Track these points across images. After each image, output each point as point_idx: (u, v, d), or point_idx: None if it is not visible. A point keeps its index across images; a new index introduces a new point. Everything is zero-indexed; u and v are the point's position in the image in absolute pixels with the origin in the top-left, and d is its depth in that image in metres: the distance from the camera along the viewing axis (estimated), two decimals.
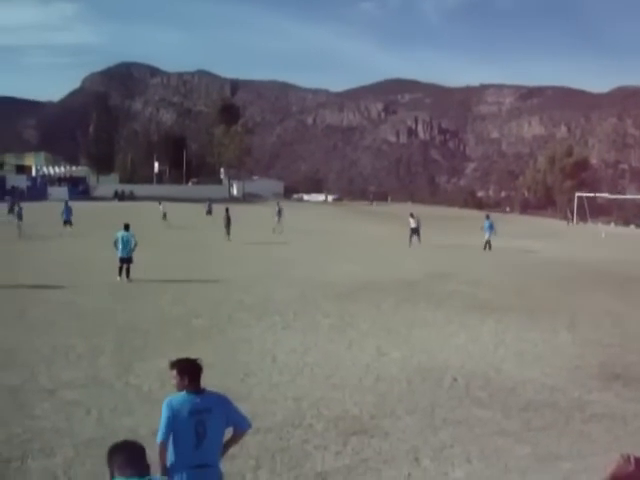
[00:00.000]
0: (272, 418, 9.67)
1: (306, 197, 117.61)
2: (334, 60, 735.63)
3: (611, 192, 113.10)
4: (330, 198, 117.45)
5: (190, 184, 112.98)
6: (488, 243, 35.55)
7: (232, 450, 5.99)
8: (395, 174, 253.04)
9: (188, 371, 5.44)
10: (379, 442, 9.00)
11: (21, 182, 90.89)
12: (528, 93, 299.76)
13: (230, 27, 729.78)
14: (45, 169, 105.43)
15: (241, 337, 14.77)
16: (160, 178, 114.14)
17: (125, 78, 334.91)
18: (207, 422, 5.31)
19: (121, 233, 22.65)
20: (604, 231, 62.52)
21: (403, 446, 8.88)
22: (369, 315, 17.62)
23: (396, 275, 25.24)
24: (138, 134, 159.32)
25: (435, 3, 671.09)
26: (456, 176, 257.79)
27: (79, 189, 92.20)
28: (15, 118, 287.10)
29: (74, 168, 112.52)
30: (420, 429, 9.51)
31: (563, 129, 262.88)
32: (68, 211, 39.98)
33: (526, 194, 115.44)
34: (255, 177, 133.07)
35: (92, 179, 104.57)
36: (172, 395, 5.45)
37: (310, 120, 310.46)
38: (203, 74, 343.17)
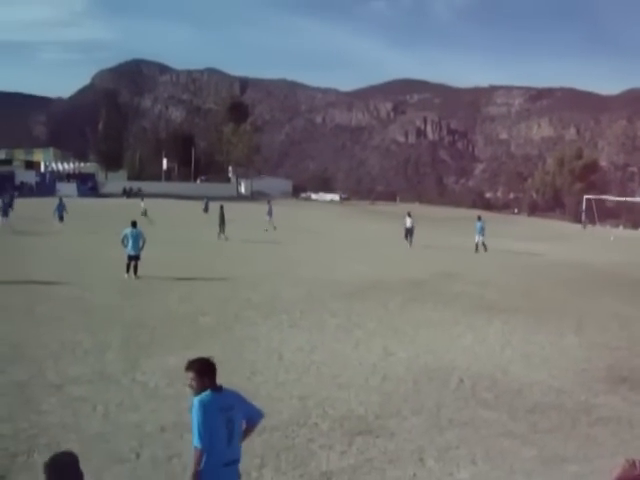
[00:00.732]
0: (278, 416, 9.66)
1: (314, 196, 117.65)
2: (344, 59, 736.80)
3: (620, 195, 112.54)
4: (338, 197, 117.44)
5: (198, 182, 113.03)
6: (483, 245, 35.00)
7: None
8: (403, 174, 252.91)
9: (207, 371, 5.44)
10: (384, 442, 9.00)
11: (30, 178, 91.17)
12: (537, 94, 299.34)
13: (240, 25, 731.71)
14: (54, 165, 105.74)
15: (248, 335, 14.77)
16: (168, 175, 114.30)
17: (135, 75, 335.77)
18: (234, 419, 5.36)
19: (129, 230, 22.70)
20: (613, 234, 62.33)
21: (408, 446, 8.88)
22: (376, 315, 17.60)
23: (403, 275, 25.23)
24: (147, 131, 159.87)
25: (446, 3, 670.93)
26: (464, 177, 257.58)
27: (88, 186, 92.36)
28: (25, 114, 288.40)
29: (83, 164, 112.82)
30: (426, 429, 9.51)
31: (572, 131, 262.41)
32: (61, 208, 40.17)
33: (534, 196, 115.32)
34: (263, 175, 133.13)
35: (101, 176, 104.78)
36: (200, 397, 5.35)
37: (319, 119, 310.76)
38: (212, 72, 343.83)
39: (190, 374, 5.43)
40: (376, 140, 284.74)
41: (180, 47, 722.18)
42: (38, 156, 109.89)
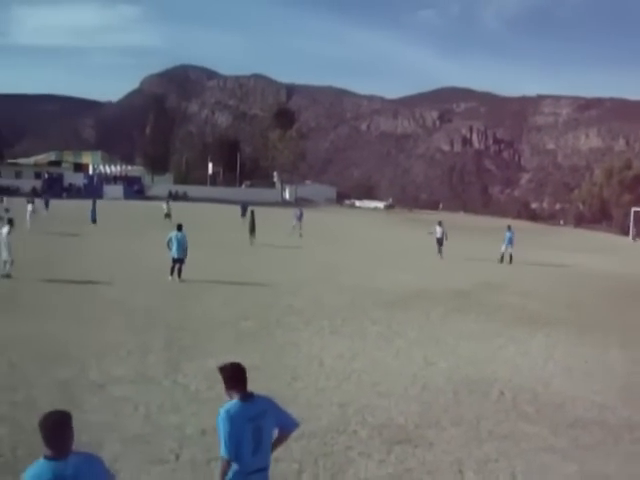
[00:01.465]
0: (317, 423, 9.69)
1: (358, 203, 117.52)
2: (390, 67, 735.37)
3: None
4: (382, 205, 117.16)
5: (243, 187, 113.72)
6: (509, 256, 34.03)
7: (276, 453, 5.97)
8: (448, 183, 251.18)
9: (232, 376, 5.40)
10: (423, 452, 8.97)
11: (78, 179, 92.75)
12: (586, 104, 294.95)
13: (287, 31, 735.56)
14: (102, 168, 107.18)
15: (289, 341, 14.83)
16: (214, 180, 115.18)
17: (182, 80, 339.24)
18: (262, 427, 5.32)
19: (174, 233, 22.93)
20: None
21: (447, 457, 8.83)
22: (417, 324, 17.54)
23: (445, 285, 25.08)
24: (193, 136, 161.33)
25: (495, 12, 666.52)
26: (510, 187, 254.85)
27: (134, 188, 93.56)
28: (75, 117, 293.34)
29: (130, 167, 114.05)
30: (465, 441, 9.44)
31: (621, 142, 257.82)
32: (94, 211, 41.44)
33: (581, 207, 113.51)
34: (308, 182, 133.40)
35: (147, 179, 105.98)
36: (226, 405, 5.39)
37: (364, 126, 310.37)
38: (259, 78, 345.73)
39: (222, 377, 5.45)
40: (421, 148, 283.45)
41: (228, 53, 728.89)
42: (87, 158, 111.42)
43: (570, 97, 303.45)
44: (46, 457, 4.37)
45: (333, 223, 61.27)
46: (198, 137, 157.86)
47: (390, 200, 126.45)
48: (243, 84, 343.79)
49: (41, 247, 29.98)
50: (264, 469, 5.40)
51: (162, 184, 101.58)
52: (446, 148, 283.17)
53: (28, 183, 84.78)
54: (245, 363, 5.59)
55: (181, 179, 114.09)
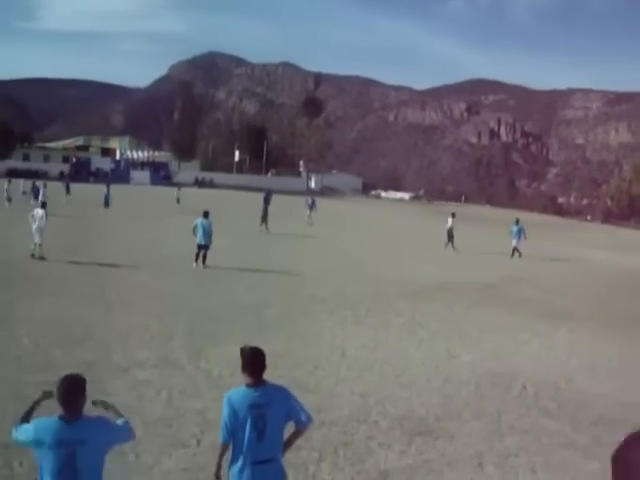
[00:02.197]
0: (338, 412, 9.70)
1: (384, 194, 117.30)
2: (418, 57, 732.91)
3: None
4: (407, 196, 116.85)
5: (269, 175, 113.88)
6: (517, 250, 33.33)
7: (296, 441, 5.90)
8: (474, 176, 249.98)
9: (250, 362, 5.34)
10: (444, 444, 8.95)
11: (105, 164, 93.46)
12: (617, 99, 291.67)
13: (315, 20, 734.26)
14: (129, 153, 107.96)
15: (312, 329, 14.86)
16: (240, 167, 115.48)
17: (210, 67, 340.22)
18: (267, 416, 5.20)
19: (200, 220, 23.02)
20: None
21: (468, 450, 8.80)
22: (441, 316, 17.49)
23: (470, 277, 24.97)
24: (221, 123, 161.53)
25: (525, 3, 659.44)
26: (537, 181, 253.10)
27: (161, 174, 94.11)
28: (103, 102, 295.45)
29: (157, 153, 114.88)
30: (486, 434, 9.41)
31: None
32: (108, 195, 42.36)
33: (609, 203, 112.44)
34: (334, 171, 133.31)
35: (174, 165, 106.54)
36: (230, 390, 5.42)
37: (391, 117, 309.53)
38: (287, 66, 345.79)
39: None
40: (448, 140, 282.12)
41: (256, 41, 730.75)
42: (114, 143, 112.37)
43: (600, 91, 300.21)
44: (60, 417, 4.61)
45: (358, 213, 61.17)
46: (225, 124, 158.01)
47: (422, 191, 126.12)
48: (271, 72, 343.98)
49: (62, 230, 30.20)
50: (270, 460, 5.27)
51: (189, 171, 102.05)
52: (473, 140, 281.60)
53: (56, 167, 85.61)
54: (268, 350, 5.56)
55: (207, 166, 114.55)
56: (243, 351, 5.41)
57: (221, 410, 5.31)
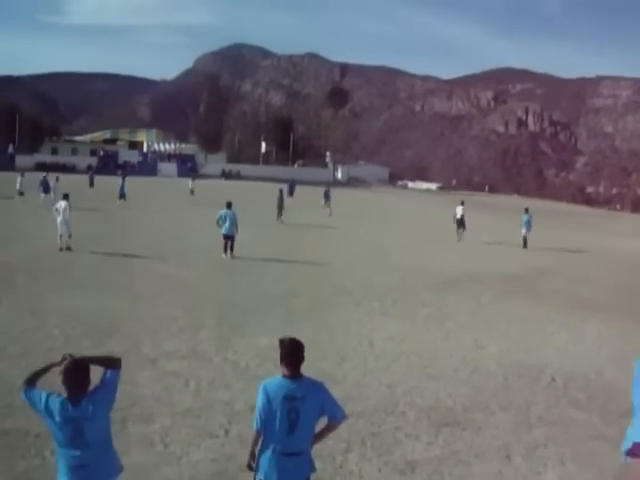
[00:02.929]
0: (365, 403, 9.73)
1: (411, 184, 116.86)
2: (444, 46, 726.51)
3: None
4: (434, 186, 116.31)
5: (296, 166, 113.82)
6: (525, 240, 32.57)
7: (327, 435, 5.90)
8: (501, 165, 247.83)
9: (288, 354, 5.35)
10: (471, 435, 8.94)
11: (133, 157, 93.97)
12: None
13: (340, 10, 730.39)
14: (156, 145, 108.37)
15: (340, 320, 14.88)
16: (266, 159, 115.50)
17: (236, 59, 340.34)
18: (300, 409, 5.21)
19: (224, 211, 23.14)
20: None
21: (495, 442, 8.79)
22: (468, 307, 17.43)
23: (498, 268, 24.84)
24: (247, 115, 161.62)
25: None
26: (565, 170, 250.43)
27: (187, 166, 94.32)
28: (130, 95, 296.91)
29: (183, 146, 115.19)
30: (514, 426, 9.38)
31: None
32: (123, 187, 42.43)
33: (639, 192, 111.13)
34: (361, 162, 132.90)
35: (200, 157, 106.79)
36: (266, 379, 5.45)
37: (418, 107, 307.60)
38: (313, 57, 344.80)
39: None
40: (475, 129, 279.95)
41: (281, 32, 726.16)
42: (141, 136, 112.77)
43: (630, 79, 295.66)
44: (65, 398, 4.93)
45: (384, 204, 60.98)
46: (251, 116, 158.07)
47: (454, 182, 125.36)
48: (297, 63, 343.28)
49: (86, 223, 30.45)
50: (300, 454, 5.30)
51: (215, 162, 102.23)
52: (501, 129, 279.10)
53: (84, 160, 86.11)
54: None
55: (234, 158, 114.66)
56: (282, 342, 5.42)
57: (249, 401, 5.34)
